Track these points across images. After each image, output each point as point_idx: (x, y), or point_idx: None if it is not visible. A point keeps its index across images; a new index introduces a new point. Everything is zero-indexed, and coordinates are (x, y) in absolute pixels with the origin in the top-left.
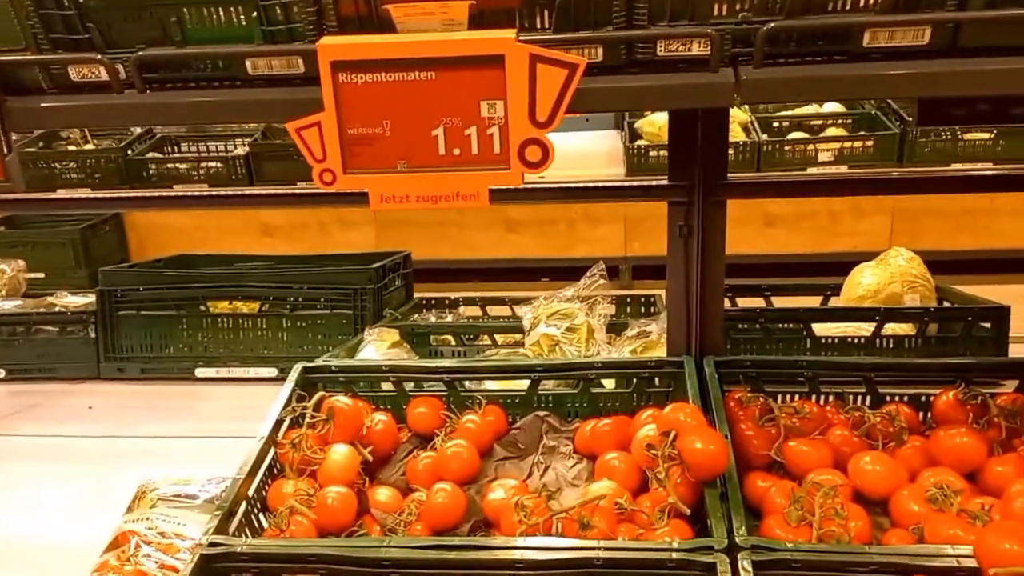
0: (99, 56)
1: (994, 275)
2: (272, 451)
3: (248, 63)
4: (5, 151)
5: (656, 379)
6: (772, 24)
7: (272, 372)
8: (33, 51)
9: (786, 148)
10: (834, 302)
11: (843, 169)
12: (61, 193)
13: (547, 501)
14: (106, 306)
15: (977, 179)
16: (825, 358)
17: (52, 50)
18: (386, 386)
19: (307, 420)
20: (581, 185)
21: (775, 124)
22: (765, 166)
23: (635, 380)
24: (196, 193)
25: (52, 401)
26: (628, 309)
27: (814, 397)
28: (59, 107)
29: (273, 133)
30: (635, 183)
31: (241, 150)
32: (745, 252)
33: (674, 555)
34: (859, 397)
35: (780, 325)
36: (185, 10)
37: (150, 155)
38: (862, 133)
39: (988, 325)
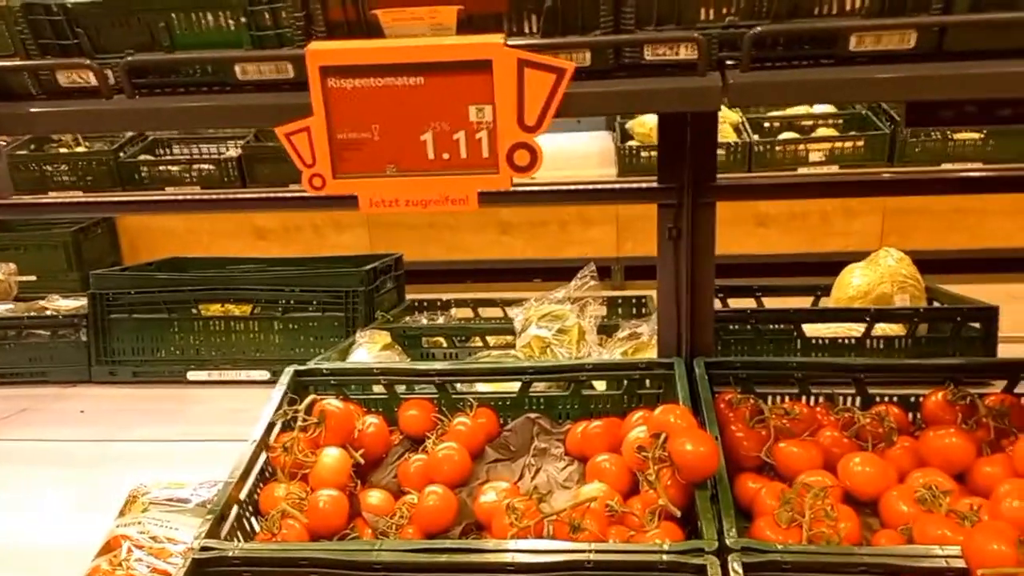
0: (88, 61)
1: (984, 274)
2: (264, 455)
3: (237, 68)
4: None
5: (647, 381)
6: (759, 28)
7: (264, 375)
8: (22, 56)
9: (777, 148)
10: (824, 303)
11: (834, 169)
12: (53, 196)
13: (538, 503)
14: (98, 309)
15: (968, 180)
16: (815, 359)
17: (41, 55)
18: (377, 389)
19: (299, 423)
20: (570, 188)
21: (766, 124)
22: (756, 166)
23: (626, 382)
24: (188, 196)
25: (44, 405)
26: (619, 310)
27: (804, 398)
28: (48, 112)
29: (266, 135)
30: (624, 185)
31: (233, 152)
32: (737, 252)
33: (664, 557)
34: (849, 398)
35: (771, 326)
36: (173, 15)
37: (142, 157)
38: (853, 133)
39: (977, 325)
